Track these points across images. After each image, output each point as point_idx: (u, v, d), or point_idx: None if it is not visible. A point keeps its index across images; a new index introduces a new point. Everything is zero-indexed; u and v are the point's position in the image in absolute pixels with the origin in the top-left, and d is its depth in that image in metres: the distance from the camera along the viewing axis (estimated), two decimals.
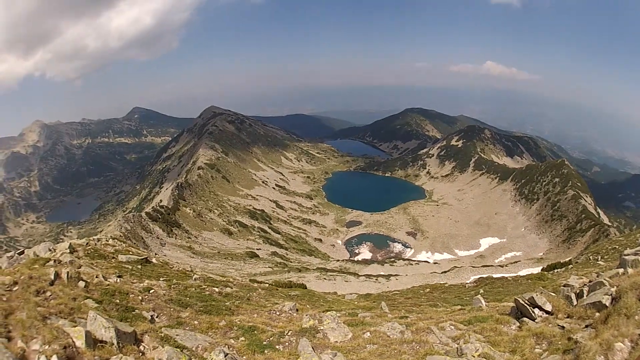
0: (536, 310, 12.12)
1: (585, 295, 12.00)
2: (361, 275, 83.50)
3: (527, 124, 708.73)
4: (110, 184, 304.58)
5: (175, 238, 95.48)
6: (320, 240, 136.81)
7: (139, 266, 26.02)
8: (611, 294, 10.44)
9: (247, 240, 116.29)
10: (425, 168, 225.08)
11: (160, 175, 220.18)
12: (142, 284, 18.24)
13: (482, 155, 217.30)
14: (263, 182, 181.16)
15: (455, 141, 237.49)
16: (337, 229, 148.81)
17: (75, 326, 9.19)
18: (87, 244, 29.07)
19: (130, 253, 30.76)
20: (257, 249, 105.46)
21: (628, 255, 14.30)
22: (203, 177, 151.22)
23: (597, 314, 10.26)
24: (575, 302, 11.97)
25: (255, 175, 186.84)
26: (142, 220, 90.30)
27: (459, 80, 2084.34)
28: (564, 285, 14.64)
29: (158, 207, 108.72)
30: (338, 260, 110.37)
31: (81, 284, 14.12)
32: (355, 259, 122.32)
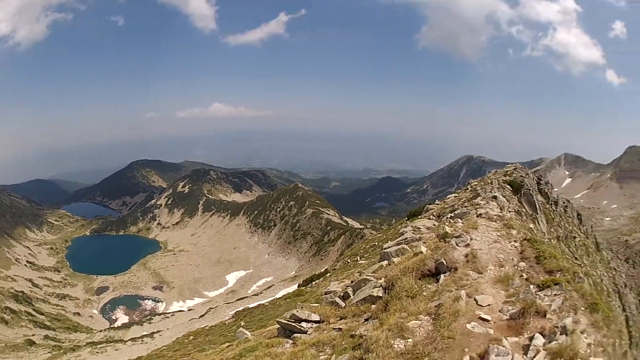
0: (304, 324, 11.15)
1: (352, 295, 11.74)
2: (127, 340, 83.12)
3: (256, 158, 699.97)
4: None
5: None
6: (79, 313, 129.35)
7: None
8: (381, 285, 10.37)
9: (22, 327, 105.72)
10: (156, 219, 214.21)
11: None
12: None
13: (210, 196, 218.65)
14: (16, 260, 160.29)
15: (182, 187, 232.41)
16: (89, 299, 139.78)
17: None
18: None
19: None
20: (32, 335, 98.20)
21: (390, 247, 14.19)
22: None
23: (373, 306, 10.04)
24: (343, 305, 11.67)
25: (8, 253, 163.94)
26: None
27: (186, 126, 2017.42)
28: (326, 293, 14.43)
29: None
30: (101, 331, 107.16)
31: None
32: (115, 325, 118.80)
